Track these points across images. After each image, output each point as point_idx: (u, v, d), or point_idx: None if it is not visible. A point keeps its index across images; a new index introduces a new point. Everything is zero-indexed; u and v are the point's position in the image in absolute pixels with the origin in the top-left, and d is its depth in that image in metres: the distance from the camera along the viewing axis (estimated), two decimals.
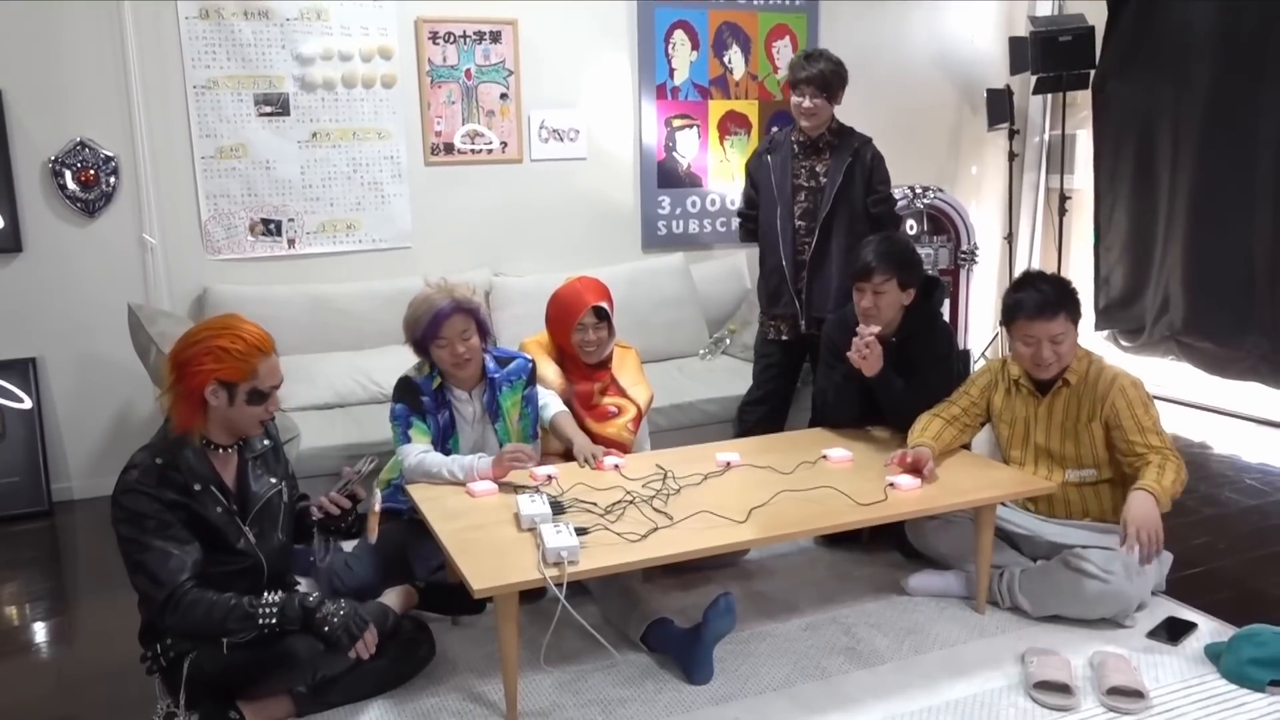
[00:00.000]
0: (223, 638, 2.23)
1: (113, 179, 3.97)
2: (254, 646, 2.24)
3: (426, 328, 2.85)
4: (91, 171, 3.94)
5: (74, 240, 3.97)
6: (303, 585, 2.58)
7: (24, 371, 3.95)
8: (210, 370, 2.21)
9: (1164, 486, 2.70)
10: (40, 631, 3.10)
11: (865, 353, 3.06)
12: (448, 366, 2.91)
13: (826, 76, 3.53)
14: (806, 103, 3.55)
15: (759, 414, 3.88)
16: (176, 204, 4.09)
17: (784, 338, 3.77)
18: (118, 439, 4.09)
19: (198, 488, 2.24)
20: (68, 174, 3.91)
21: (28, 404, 3.93)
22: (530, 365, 3.10)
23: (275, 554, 2.41)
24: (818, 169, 3.65)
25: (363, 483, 2.53)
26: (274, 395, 2.33)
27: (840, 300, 3.54)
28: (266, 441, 2.47)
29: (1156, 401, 5.12)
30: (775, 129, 3.93)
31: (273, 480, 2.44)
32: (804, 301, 3.67)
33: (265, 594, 2.25)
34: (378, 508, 2.56)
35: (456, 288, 2.93)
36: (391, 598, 2.60)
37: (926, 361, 3.21)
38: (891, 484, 2.77)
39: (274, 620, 2.21)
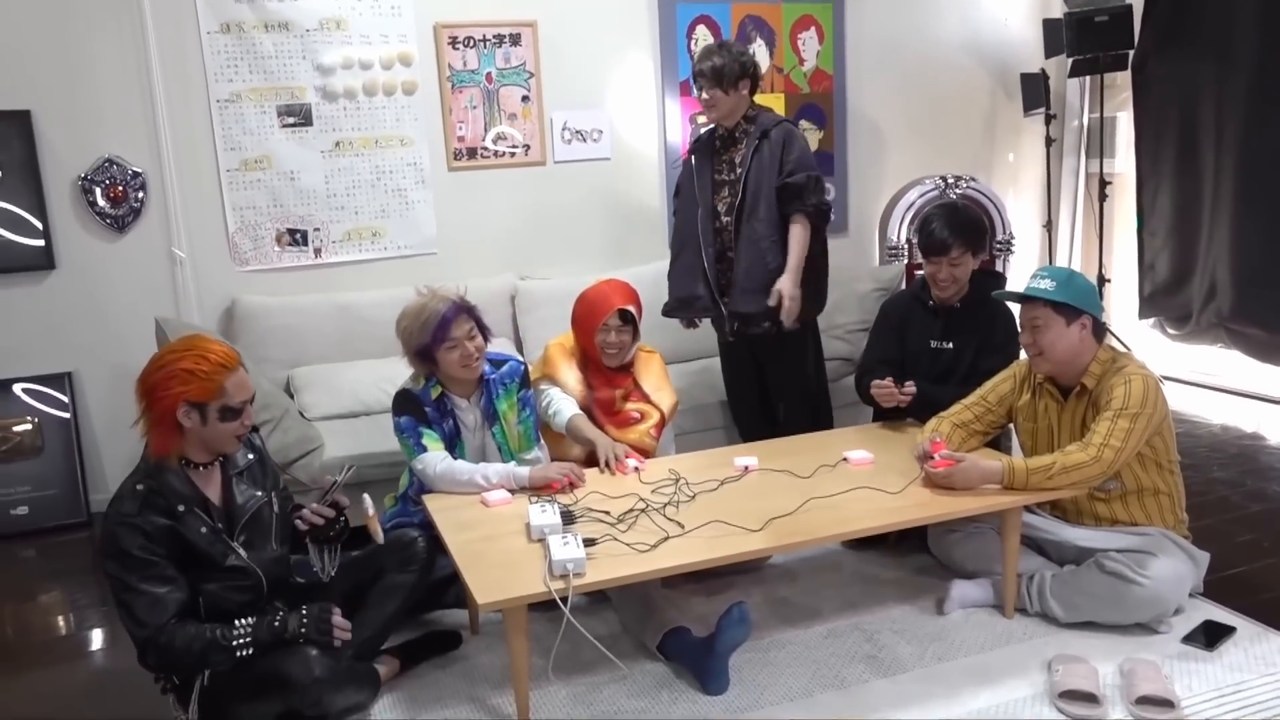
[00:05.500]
0: (201, 668, 2.25)
1: (141, 194, 4.04)
2: (252, 670, 2.27)
3: (435, 332, 2.82)
4: (120, 188, 4.00)
5: (105, 256, 4.05)
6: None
7: (61, 385, 4.04)
8: (179, 393, 2.22)
9: (1025, 467, 2.67)
10: (80, 642, 3.16)
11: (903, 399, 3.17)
12: (456, 370, 2.88)
13: (719, 70, 3.42)
14: (704, 95, 3.49)
15: (740, 413, 3.87)
16: (204, 217, 4.15)
17: (730, 339, 3.68)
18: None
19: (182, 509, 2.26)
20: (97, 191, 3.98)
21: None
22: (522, 368, 3.07)
23: (271, 564, 2.42)
24: (735, 160, 3.53)
25: (344, 490, 2.54)
26: (247, 410, 2.34)
27: (747, 294, 3.45)
28: (251, 455, 2.49)
29: (1206, 390, 5.03)
30: (701, 131, 3.82)
31: (258, 493, 2.45)
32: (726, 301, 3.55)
33: (236, 621, 2.26)
34: (371, 510, 2.57)
35: (448, 290, 2.91)
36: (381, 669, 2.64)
37: (996, 341, 3.24)
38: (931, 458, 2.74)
39: (249, 649, 2.24)
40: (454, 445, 2.93)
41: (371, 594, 2.62)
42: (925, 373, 3.30)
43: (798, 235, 3.44)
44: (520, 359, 3.11)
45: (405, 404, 2.90)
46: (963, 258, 3.23)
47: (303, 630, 2.29)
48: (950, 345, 3.30)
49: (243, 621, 2.26)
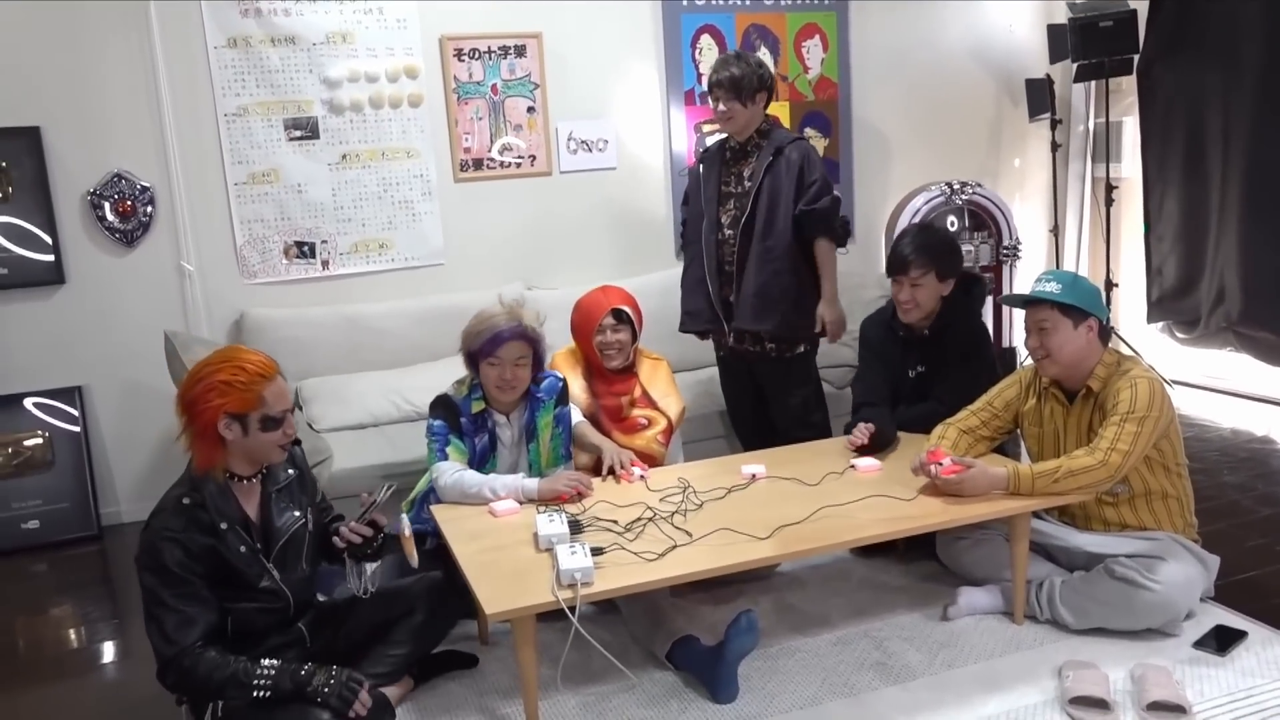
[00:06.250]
0: (218, 699, 2.25)
1: (149, 209, 4.07)
2: (266, 713, 2.24)
3: (485, 344, 2.86)
4: (129, 202, 4.03)
5: (114, 270, 4.08)
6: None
7: (71, 399, 4.06)
8: (218, 405, 2.21)
9: (1031, 473, 2.67)
10: (92, 655, 3.17)
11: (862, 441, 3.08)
12: (491, 387, 2.91)
13: (738, 80, 3.36)
14: (721, 106, 3.43)
15: (738, 426, 3.87)
16: (212, 231, 4.18)
17: (722, 354, 3.70)
18: (163, 463, 4.17)
19: (224, 526, 2.25)
20: (106, 205, 4.01)
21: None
22: (561, 384, 3.08)
23: (299, 585, 2.42)
24: (745, 173, 3.49)
25: (382, 509, 2.54)
26: (288, 419, 2.32)
27: (756, 311, 3.43)
28: (292, 470, 2.46)
29: (1215, 394, 5.01)
30: (709, 141, 3.81)
31: (296, 514, 2.43)
32: (726, 314, 3.54)
33: (262, 661, 2.23)
34: (408, 531, 2.53)
35: (525, 313, 2.95)
36: (391, 691, 2.59)
37: (954, 358, 3.19)
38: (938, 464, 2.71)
39: (267, 692, 2.20)
40: (485, 461, 2.94)
41: (397, 630, 2.59)
42: (906, 399, 3.29)
43: (827, 256, 3.45)
44: (560, 375, 3.11)
45: (443, 409, 2.93)
46: (924, 278, 3.13)
47: (325, 691, 2.22)
48: (923, 369, 3.28)
49: (267, 663, 2.22)
